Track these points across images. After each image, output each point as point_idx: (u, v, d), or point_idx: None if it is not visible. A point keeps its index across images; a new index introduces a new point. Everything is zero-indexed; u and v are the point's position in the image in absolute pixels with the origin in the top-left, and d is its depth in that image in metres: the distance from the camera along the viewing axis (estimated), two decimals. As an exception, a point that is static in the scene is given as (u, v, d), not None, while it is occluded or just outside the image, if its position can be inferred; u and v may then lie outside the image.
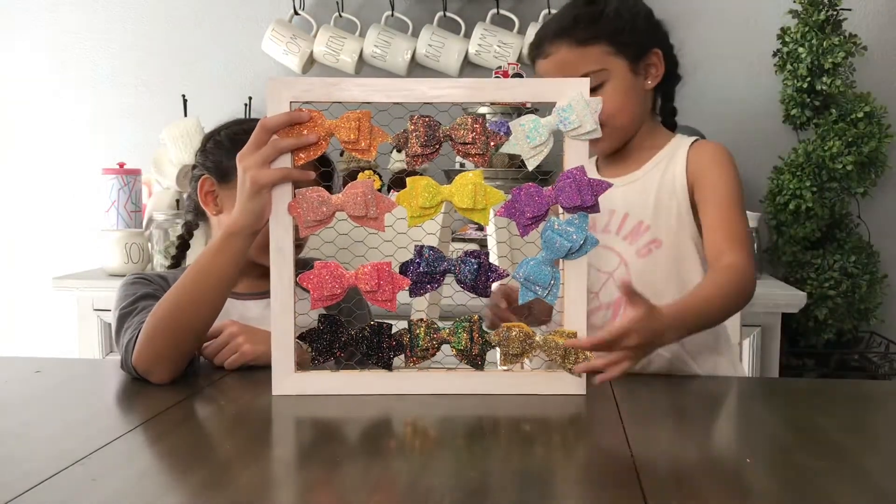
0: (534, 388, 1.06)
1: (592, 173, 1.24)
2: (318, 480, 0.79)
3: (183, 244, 1.42)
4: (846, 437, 0.89)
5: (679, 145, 1.29)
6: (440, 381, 1.05)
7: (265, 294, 1.28)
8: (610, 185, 1.07)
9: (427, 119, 1.04)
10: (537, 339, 1.04)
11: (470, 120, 1.04)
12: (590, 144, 1.07)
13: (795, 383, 1.17)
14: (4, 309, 2.66)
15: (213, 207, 1.33)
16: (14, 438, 0.90)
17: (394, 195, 1.07)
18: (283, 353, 1.05)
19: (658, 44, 1.29)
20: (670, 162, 1.27)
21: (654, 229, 1.25)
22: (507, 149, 1.04)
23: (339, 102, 1.04)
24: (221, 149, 1.32)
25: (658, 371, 1.22)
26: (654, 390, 1.11)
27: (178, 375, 1.10)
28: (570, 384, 1.05)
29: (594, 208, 1.04)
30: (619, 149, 1.30)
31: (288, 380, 1.05)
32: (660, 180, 1.26)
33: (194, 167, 1.37)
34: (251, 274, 1.30)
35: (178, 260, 1.41)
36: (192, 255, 1.33)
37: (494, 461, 0.84)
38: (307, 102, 1.04)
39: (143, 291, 1.24)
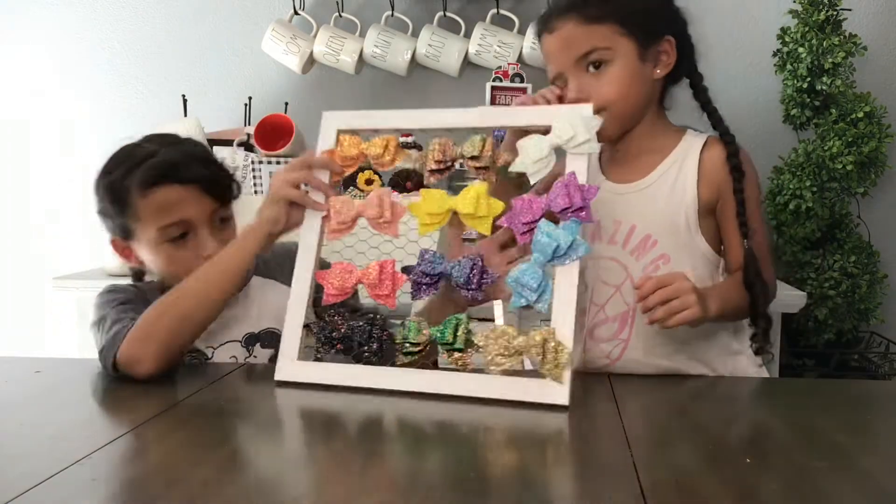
0: (507, 394, 0.99)
1: (599, 180, 1.24)
2: (317, 480, 0.79)
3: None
4: (846, 437, 0.89)
5: (690, 147, 1.21)
6: (439, 378, 1.04)
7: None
8: (598, 189, 1.03)
9: (446, 141, 1.13)
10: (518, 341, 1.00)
11: (479, 140, 1.11)
12: None
13: (795, 383, 1.17)
14: (4, 309, 2.66)
15: (135, 260, 1.34)
16: (14, 438, 0.90)
17: (395, 196, 1.13)
18: (291, 340, 1.10)
19: (673, 31, 1.22)
20: (680, 169, 1.20)
21: (662, 244, 1.20)
22: (515, 168, 1.08)
23: (377, 130, 1.17)
24: (108, 203, 1.28)
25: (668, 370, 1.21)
26: (655, 390, 1.11)
27: (163, 372, 1.10)
28: (552, 393, 0.98)
29: (586, 214, 1.03)
30: (619, 138, 1.23)
31: (290, 367, 1.10)
32: (668, 191, 1.20)
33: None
34: None
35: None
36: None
37: (493, 461, 0.83)
38: (352, 130, 1.17)
39: (122, 297, 1.26)
